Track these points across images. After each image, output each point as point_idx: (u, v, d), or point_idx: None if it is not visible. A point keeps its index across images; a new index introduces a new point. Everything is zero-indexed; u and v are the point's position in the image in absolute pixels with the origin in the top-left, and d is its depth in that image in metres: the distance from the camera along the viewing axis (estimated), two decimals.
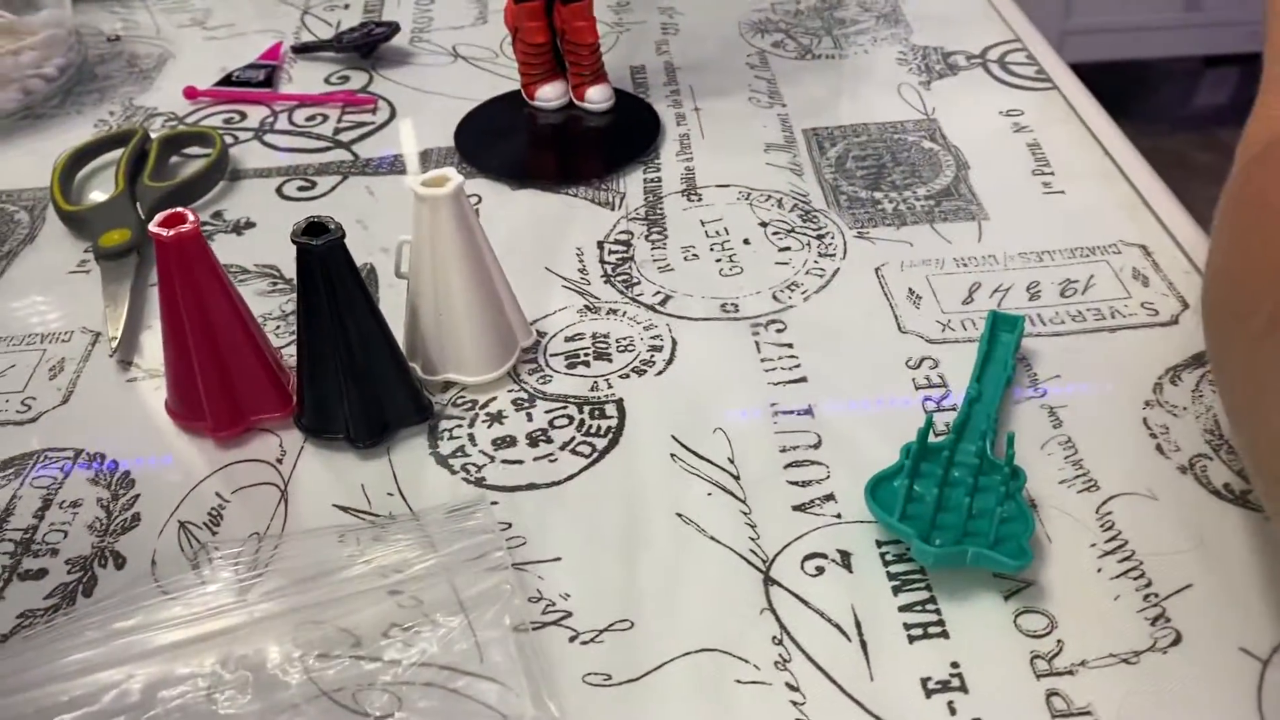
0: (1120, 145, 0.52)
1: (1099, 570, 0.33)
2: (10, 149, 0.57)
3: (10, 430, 0.40)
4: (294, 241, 0.35)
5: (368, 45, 0.62)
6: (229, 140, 0.56)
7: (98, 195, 0.52)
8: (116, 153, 0.53)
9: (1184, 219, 0.47)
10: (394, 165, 0.54)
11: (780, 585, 0.33)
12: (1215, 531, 0.34)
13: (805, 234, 0.48)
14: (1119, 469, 0.36)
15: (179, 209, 0.36)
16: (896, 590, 0.33)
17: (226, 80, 0.60)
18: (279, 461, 0.38)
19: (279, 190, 0.52)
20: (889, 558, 0.34)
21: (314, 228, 0.36)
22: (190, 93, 0.59)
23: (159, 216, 0.36)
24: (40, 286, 0.47)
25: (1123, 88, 2.02)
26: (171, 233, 0.35)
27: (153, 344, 0.43)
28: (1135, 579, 0.33)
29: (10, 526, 0.36)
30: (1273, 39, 0.36)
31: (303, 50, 0.63)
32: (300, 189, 0.53)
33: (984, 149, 0.52)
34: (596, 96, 0.55)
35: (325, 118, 0.58)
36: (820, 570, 0.34)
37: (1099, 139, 0.52)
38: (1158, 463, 0.36)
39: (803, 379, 0.40)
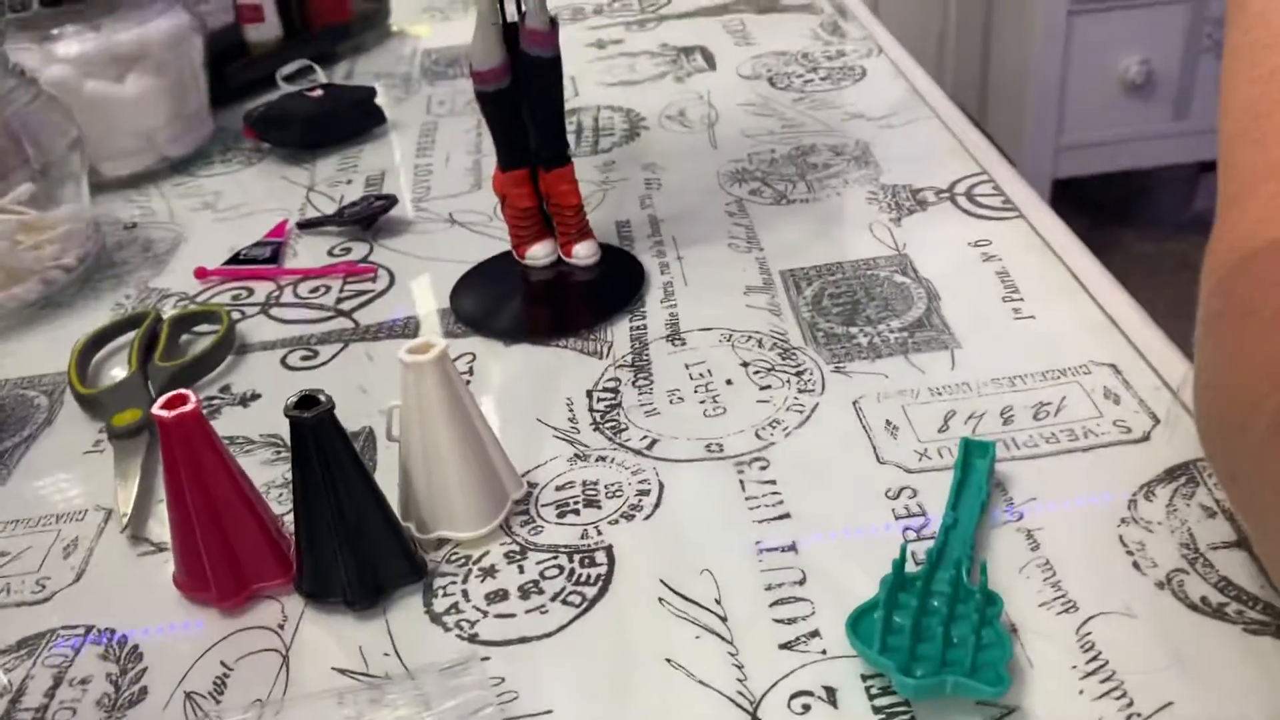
0: (1087, 266, 0.54)
1: (1080, 692, 0.33)
2: (31, 336, 0.60)
3: (25, 611, 0.42)
4: (286, 415, 0.37)
5: (368, 218, 0.66)
6: (236, 316, 0.59)
7: (113, 377, 0.55)
8: (130, 335, 0.56)
9: (1153, 335, 0.49)
10: (392, 330, 0.56)
11: None
12: (1193, 646, 0.34)
13: (785, 372, 0.49)
14: (1097, 588, 0.37)
15: (181, 390, 0.39)
16: None
17: (235, 259, 0.64)
18: (280, 627, 0.40)
19: (283, 361, 0.55)
20: (874, 691, 0.34)
21: (306, 400, 0.38)
22: (200, 273, 0.63)
23: (161, 399, 0.38)
24: (57, 468, 0.50)
25: (1124, 196, 2.07)
26: (173, 414, 0.38)
27: (162, 519, 0.45)
28: (1117, 699, 0.33)
29: (22, 707, 0.38)
30: (1225, 161, 0.38)
31: (307, 226, 0.67)
32: (304, 358, 0.55)
33: (954, 279, 0.54)
34: (583, 252, 0.58)
35: (328, 289, 0.61)
36: (807, 708, 0.34)
37: (1065, 262, 0.54)
38: (1135, 580, 0.37)
39: (786, 515, 0.41)
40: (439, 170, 0.74)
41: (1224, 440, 0.35)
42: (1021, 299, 0.52)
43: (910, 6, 2.33)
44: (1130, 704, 0.33)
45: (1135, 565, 0.37)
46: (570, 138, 0.75)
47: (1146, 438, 0.43)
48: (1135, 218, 2.01)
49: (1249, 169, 0.38)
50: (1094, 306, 0.51)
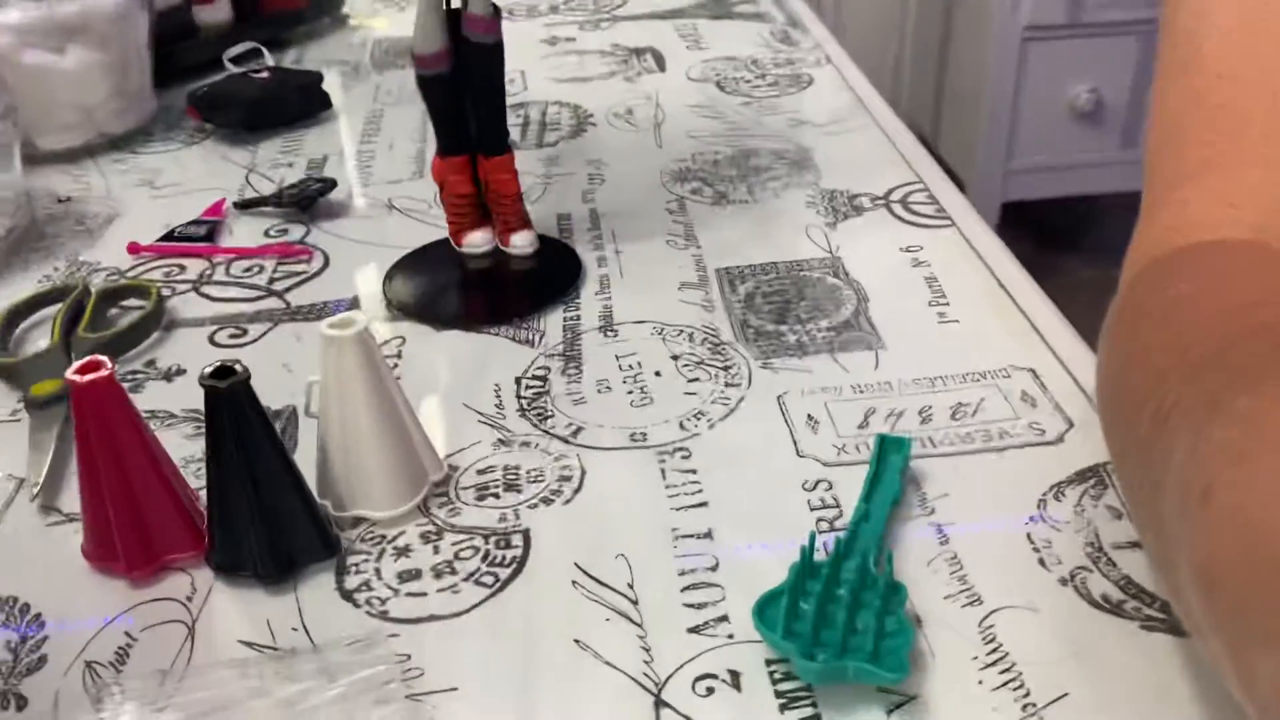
0: (1013, 275, 0.55)
1: (980, 682, 0.34)
2: None
3: None
4: (200, 384, 0.37)
5: (306, 200, 0.65)
6: (166, 293, 0.58)
7: (36, 347, 0.54)
8: (56, 307, 0.55)
9: (1072, 342, 0.50)
10: (323, 313, 0.56)
11: (671, 707, 0.34)
12: (1092, 641, 0.35)
13: (713, 366, 0.50)
14: (1002, 584, 0.37)
15: (96, 357, 0.38)
16: (783, 708, 0.33)
17: (169, 236, 0.63)
18: (189, 600, 0.39)
19: (211, 338, 0.55)
20: (777, 676, 0.35)
21: (222, 371, 0.37)
22: (133, 248, 0.62)
23: (76, 364, 0.38)
24: None
25: (1071, 222, 2.11)
26: (86, 379, 0.37)
27: (75, 490, 0.44)
28: (1015, 689, 0.34)
29: None
30: (1147, 172, 0.40)
31: (245, 206, 0.66)
32: (232, 336, 0.55)
33: (884, 283, 0.55)
34: (520, 242, 0.58)
35: (262, 269, 0.60)
36: (710, 691, 0.34)
37: (993, 271, 0.55)
38: (1040, 576, 0.38)
39: (704, 504, 0.42)
40: (382, 156, 0.73)
41: (1113, 433, 0.36)
42: (948, 304, 0.53)
43: (868, 24, 2.36)
44: (1027, 694, 0.33)
45: (1041, 562, 0.38)
46: (516, 131, 0.75)
47: (1060, 440, 0.44)
48: (1081, 244, 2.05)
49: (1164, 179, 0.39)
50: (1018, 314, 0.52)
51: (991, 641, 0.35)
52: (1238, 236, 0.36)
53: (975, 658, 0.35)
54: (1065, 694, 0.33)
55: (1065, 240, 2.12)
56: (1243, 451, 0.26)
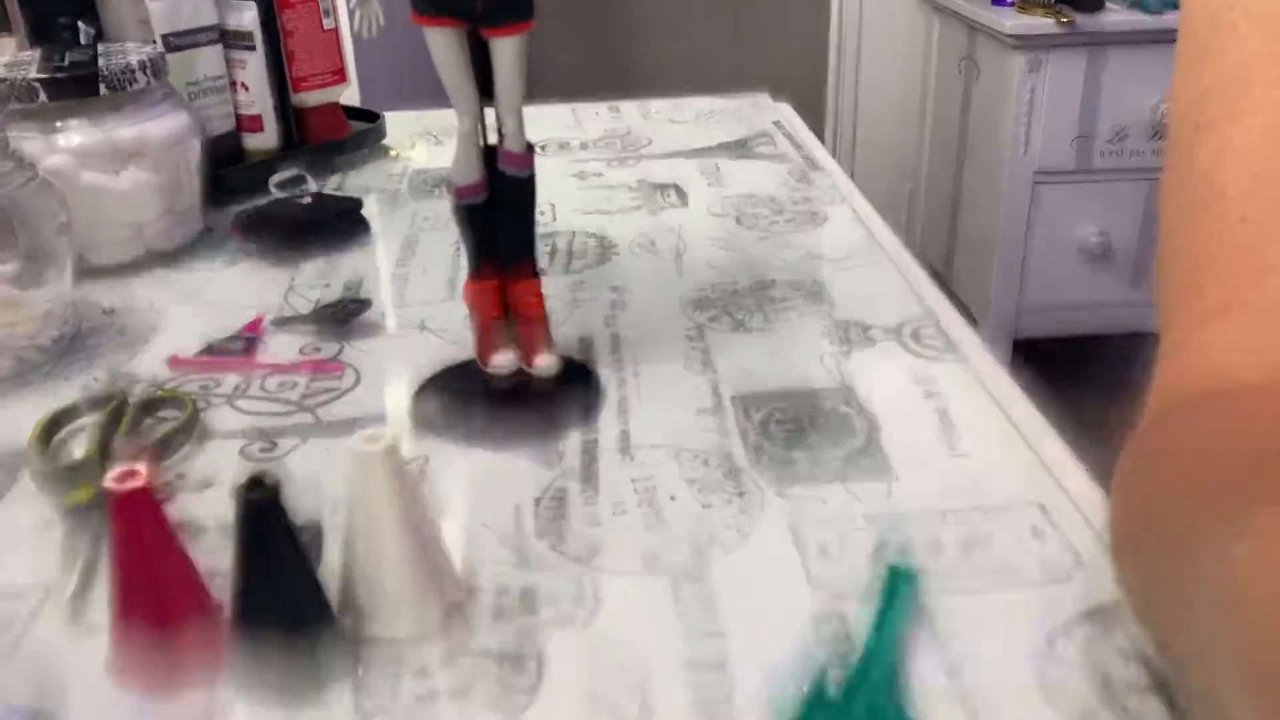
0: (1023, 411, 0.56)
1: None
2: None
3: None
4: (232, 494, 0.38)
5: (342, 318, 0.68)
6: (202, 405, 0.60)
7: (73, 455, 0.55)
8: (95, 415, 0.57)
9: (1081, 479, 0.51)
10: (353, 429, 0.58)
11: None
12: None
13: (727, 492, 0.51)
14: None
15: (134, 465, 0.40)
16: None
17: (208, 350, 0.66)
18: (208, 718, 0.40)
19: (242, 451, 0.56)
20: None
21: (255, 482, 0.39)
22: (175, 362, 0.65)
23: (114, 471, 0.39)
24: (4, 542, 0.50)
25: (1082, 360, 2.13)
26: (124, 487, 0.39)
27: (103, 601, 0.45)
28: None
29: None
30: (1165, 309, 0.40)
31: (282, 323, 0.69)
32: (263, 450, 0.56)
33: (895, 413, 0.56)
34: (544, 364, 0.60)
35: (295, 384, 0.62)
36: None
37: (1002, 405, 0.57)
38: (1049, 718, 0.38)
39: (718, 633, 0.42)
40: (415, 280, 0.76)
41: (1137, 568, 0.36)
42: (959, 436, 0.54)
43: (884, 167, 2.44)
44: None
45: (1051, 704, 0.38)
46: (544, 257, 0.78)
47: (1068, 578, 0.45)
48: (1091, 382, 2.06)
49: (1184, 319, 0.39)
50: (1026, 448, 0.53)
51: None
52: (1259, 381, 0.36)
53: None
54: None
55: (1075, 378, 2.13)
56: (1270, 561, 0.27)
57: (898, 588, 0.43)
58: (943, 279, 2.24)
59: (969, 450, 0.53)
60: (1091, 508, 0.48)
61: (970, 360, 0.61)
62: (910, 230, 2.45)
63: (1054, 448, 0.53)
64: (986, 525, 0.48)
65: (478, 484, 0.53)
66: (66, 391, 0.62)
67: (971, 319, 2.17)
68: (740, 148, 1.02)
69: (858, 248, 0.78)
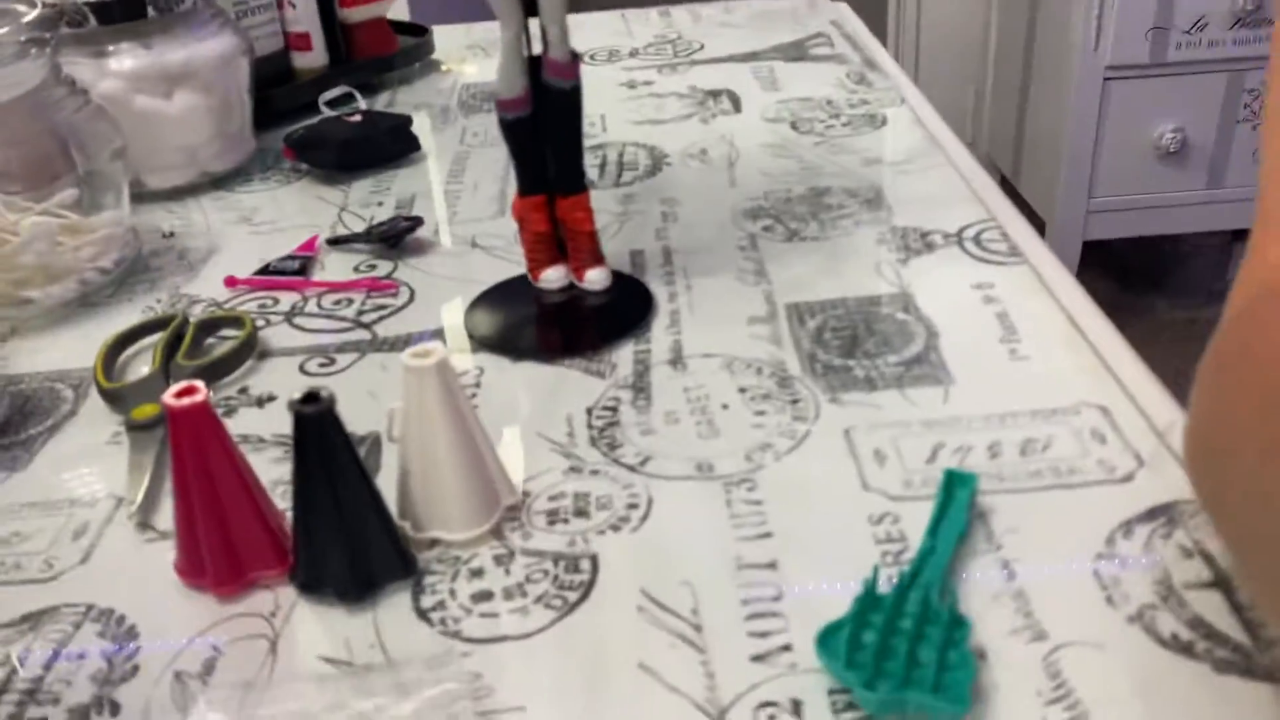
0: (1087, 312, 0.55)
1: (1043, 718, 0.34)
2: (65, 333, 0.62)
3: (32, 588, 0.44)
4: (289, 409, 0.39)
5: (394, 237, 0.68)
6: (260, 324, 0.61)
7: (137, 374, 0.57)
8: (157, 336, 0.59)
9: (1145, 380, 0.49)
10: (408, 344, 0.58)
11: None
12: (1159, 680, 0.35)
13: (781, 399, 0.50)
14: (1068, 620, 0.37)
15: (192, 383, 0.41)
16: None
17: (264, 270, 0.66)
18: (272, 615, 0.41)
19: (301, 367, 0.57)
20: (839, 705, 0.35)
21: (310, 397, 0.39)
22: (230, 281, 0.65)
23: (173, 389, 0.40)
24: (75, 456, 0.52)
25: (1155, 262, 2.06)
26: (181, 403, 0.39)
27: (170, 509, 0.47)
28: None
29: (21, 678, 0.39)
30: (1260, 205, 0.39)
31: (336, 243, 0.69)
32: (321, 365, 0.57)
33: (954, 319, 0.55)
34: (595, 278, 0.60)
35: (351, 302, 0.63)
36: (772, 718, 0.35)
37: (1065, 308, 0.55)
38: (1106, 613, 0.37)
39: (768, 534, 0.42)
40: (467, 197, 0.76)
41: (1209, 470, 0.35)
42: (1019, 340, 0.53)
43: (948, 66, 2.36)
44: None
45: (1108, 599, 0.38)
46: (593, 170, 0.78)
47: (1130, 478, 0.44)
48: (1166, 284, 2.01)
49: (1277, 215, 0.38)
50: (1090, 350, 0.52)
51: (1056, 677, 0.35)
52: None
53: (1039, 693, 0.35)
54: None
55: (1148, 280, 2.07)
56: None
57: (954, 491, 0.42)
58: (1009, 182, 2.17)
59: (1030, 354, 0.52)
60: (1156, 409, 0.47)
61: (1034, 263, 0.60)
62: (976, 133, 2.38)
63: (1118, 348, 0.52)
64: (1047, 428, 0.47)
65: (531, 396, 0.53)
66: (129, 314, 0.64)
67: (1040, 222, 2.11)
68: (795, 50, 0.99)
69: (918, 151, 0.75)
